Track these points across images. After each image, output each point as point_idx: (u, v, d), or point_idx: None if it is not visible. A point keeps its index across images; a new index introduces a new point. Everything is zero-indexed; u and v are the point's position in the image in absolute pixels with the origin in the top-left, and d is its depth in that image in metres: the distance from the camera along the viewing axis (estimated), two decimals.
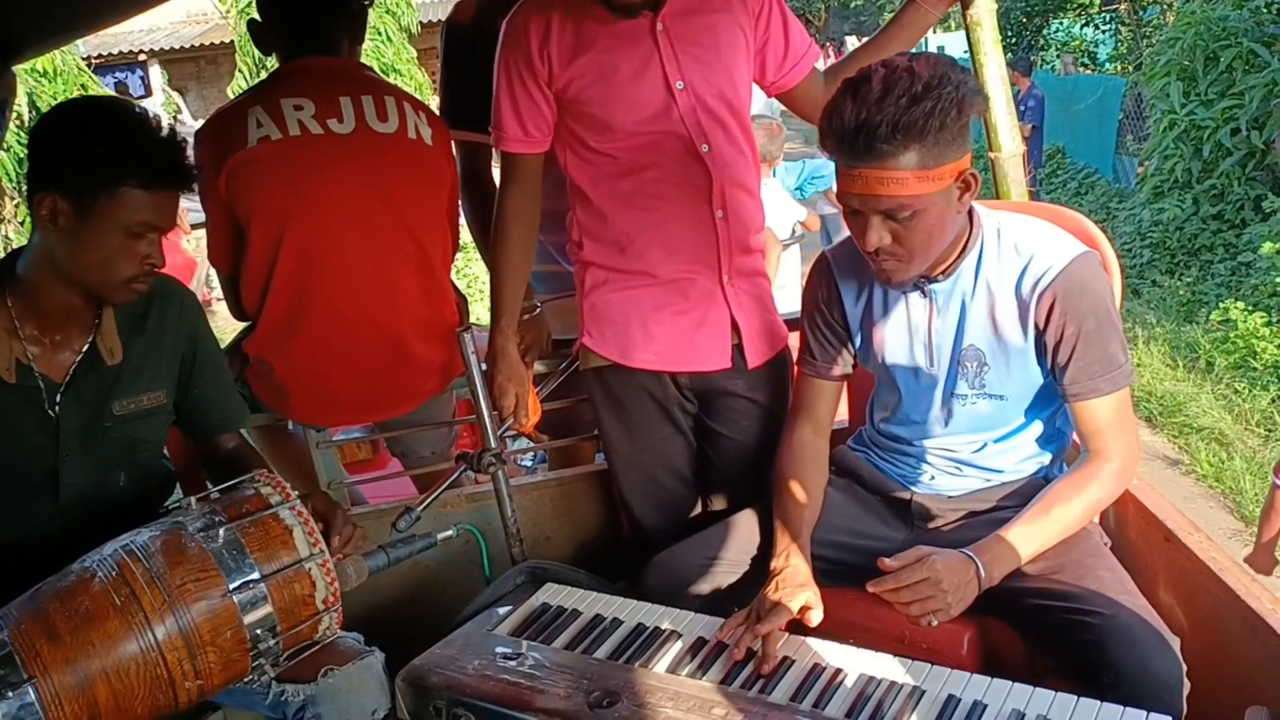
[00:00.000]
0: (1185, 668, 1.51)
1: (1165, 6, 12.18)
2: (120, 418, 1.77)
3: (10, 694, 1.36)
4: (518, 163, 2.04)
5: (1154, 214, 8.35)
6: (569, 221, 2.11)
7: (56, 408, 1.71)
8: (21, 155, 5.66)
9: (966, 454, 1.85)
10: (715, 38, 1.94)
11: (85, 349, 1.73)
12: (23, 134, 6.01)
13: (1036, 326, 1.70)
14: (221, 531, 1.52)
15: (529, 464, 3.62)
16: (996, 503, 1.85)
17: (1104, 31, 14.38)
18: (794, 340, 2.10)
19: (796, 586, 1.69)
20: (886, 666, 1.56)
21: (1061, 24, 15.13)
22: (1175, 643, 1.53)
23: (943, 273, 1.74)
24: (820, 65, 2.11)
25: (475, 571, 2.36)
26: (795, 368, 2.05)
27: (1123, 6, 13.55)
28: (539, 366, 2.31)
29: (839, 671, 1.56)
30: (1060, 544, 1.70)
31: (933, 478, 1.88)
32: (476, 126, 2.29)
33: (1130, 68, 12.58)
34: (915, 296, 1.79)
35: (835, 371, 1.94)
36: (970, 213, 1.72)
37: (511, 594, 1.96)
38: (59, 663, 1.40)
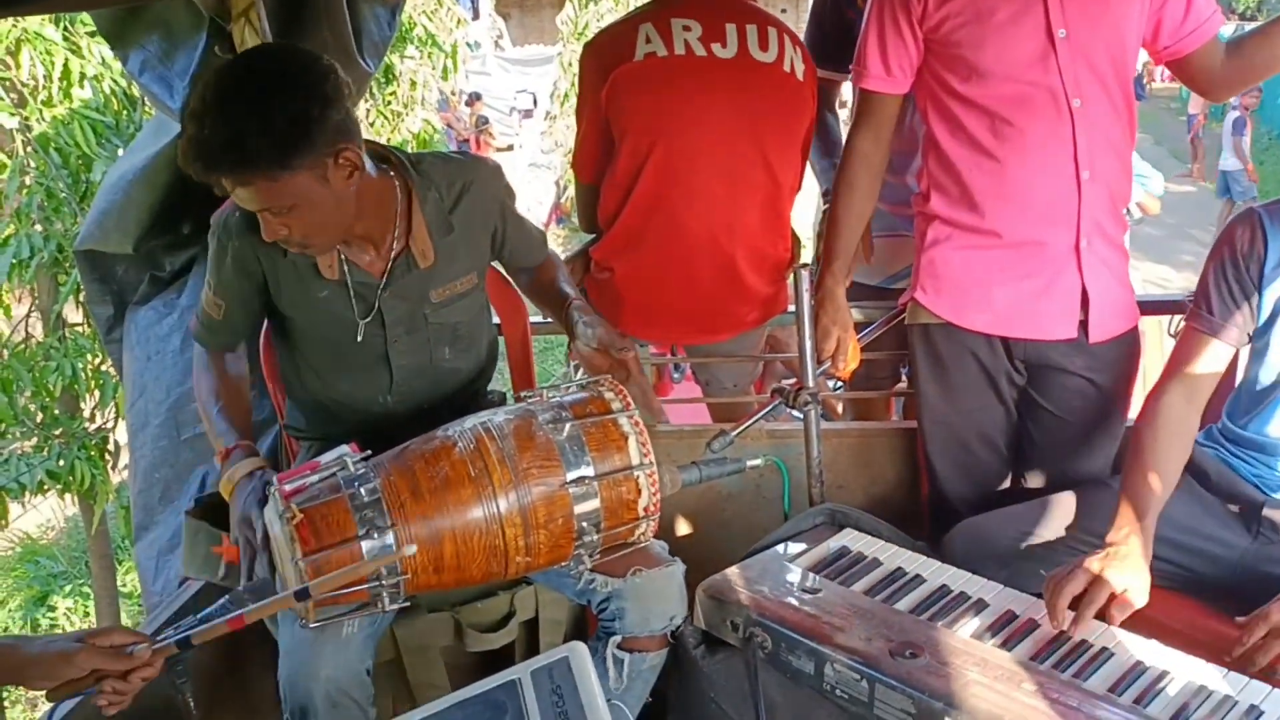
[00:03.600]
0: None
1: None
2: (438, 304, 1.89)
3: (376, 534, 1.53)
4: (874, 102, 2.02)
5: None
6: (917, 172, 2.07)
7: (378, 302, 1.84)
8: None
9: None
10: None
11: (399, 251, 1.83)
12: None
13: None
14: (567, 426, 1.62)
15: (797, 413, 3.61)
16: None
17: None
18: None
19: (1129, 569, 1.58)
20: (1219, 680, 1.46)
21: None
22: None
23: None
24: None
25: (765, 505, 2.41)
26: (1179, 333, 1.87)
27: None
28: (856, 314, 2.30)
29: (1164, 674, 1.47)
30: None
31: None
32: (833, 67, 2.31)
33: None
34: None
35: (1229, 334, 1.76)
36: None
37: (809, 532, 1.98)
38: (417, 516, 1.55)
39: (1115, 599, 1.57)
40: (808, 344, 2.04)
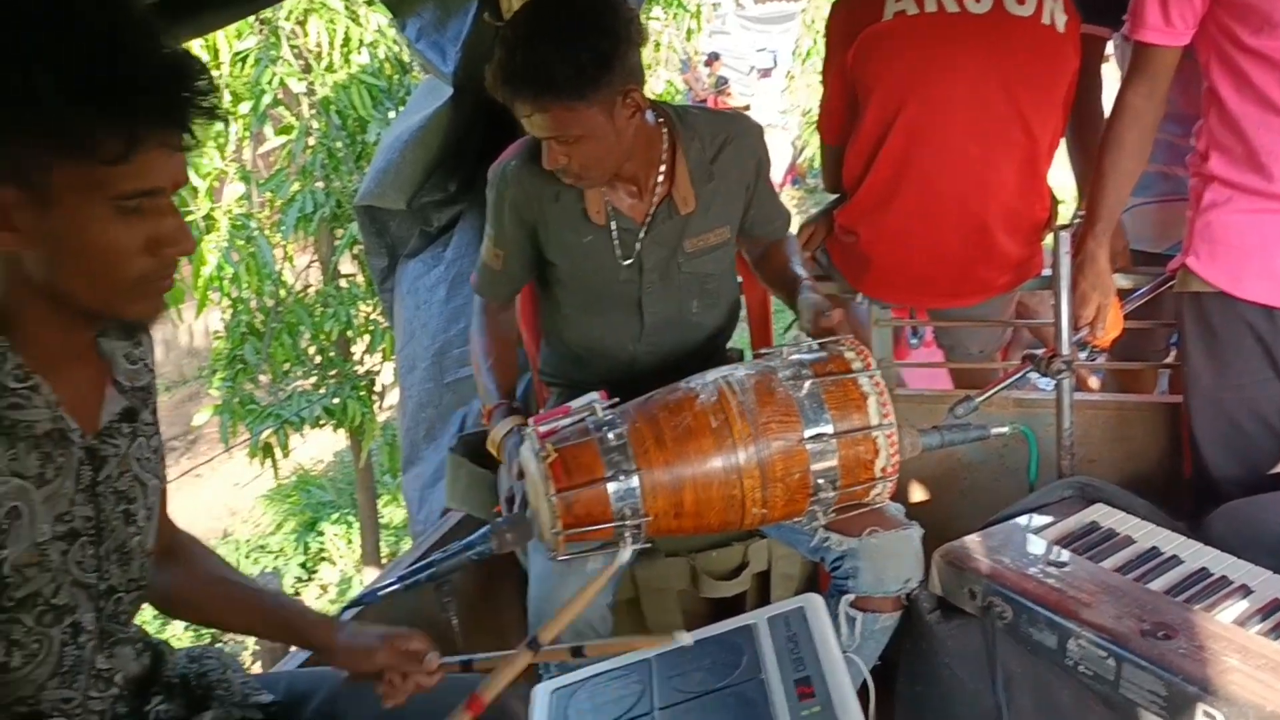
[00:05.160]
0: None
1: None
2: (691, 254, 1.95)
3: (622, 477, 1.60)
4: (1150, 55, 1.89)
5: None
6: (1196, 130, 1.93)
7: (638, 246, 1.92)
8: None
9: None
10: None
11: (662, 197, 1.90)
12: None
13: None
14: (806, 384, 1.63)
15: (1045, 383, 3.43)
16: None
17: None
18: None
19: None
20: None
21: None
22: None
23: None
24: None
25: (1008, 476, 2.34)
26: None
27: None
28: (1119, 280, 2.17)
29: None
30: None
31: None
32: (1101, 20, 2.19)
33: None
34: None
35: None
36: None
37: (1056, 505, 1.91)
38: (660, 463, 1.61)
39: None
40: (1064, 309, 1.96)
